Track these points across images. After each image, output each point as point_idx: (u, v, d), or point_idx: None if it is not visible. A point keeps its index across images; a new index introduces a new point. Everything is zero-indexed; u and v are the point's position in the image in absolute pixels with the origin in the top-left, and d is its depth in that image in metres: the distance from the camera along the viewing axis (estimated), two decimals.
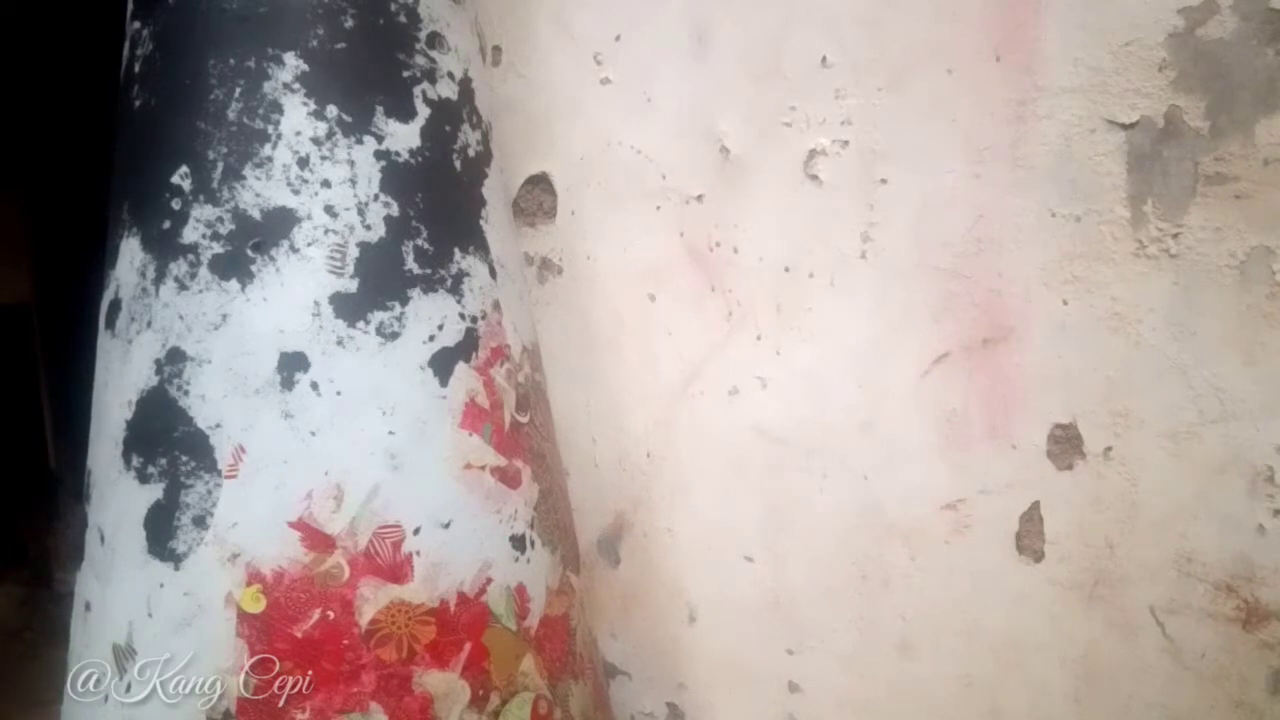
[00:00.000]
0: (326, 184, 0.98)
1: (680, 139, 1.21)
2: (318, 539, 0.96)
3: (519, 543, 1.08)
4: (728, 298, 1.21)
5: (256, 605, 0.95)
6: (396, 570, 0.99)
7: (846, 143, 1.10)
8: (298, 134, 0.96)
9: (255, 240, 0.95)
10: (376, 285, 0.99)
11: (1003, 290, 1.02)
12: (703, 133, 1.19)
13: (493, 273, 1.09)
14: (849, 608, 1.18)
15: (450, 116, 1.07)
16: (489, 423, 1.07)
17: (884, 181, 1.08)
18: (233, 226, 0.95)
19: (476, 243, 1.09)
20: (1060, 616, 1.04)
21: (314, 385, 0.97)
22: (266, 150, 0.96)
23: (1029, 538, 1.05)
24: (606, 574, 1.40)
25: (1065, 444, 1.01)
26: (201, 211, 0.95)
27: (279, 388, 0.96)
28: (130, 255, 0.98)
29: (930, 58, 1.03)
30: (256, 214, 0.95)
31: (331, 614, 0.97)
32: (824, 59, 1.10)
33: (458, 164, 1.07)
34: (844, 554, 1.18)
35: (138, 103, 1.00)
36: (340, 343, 0.98)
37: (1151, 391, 0.96)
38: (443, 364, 1.03)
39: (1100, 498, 1.00)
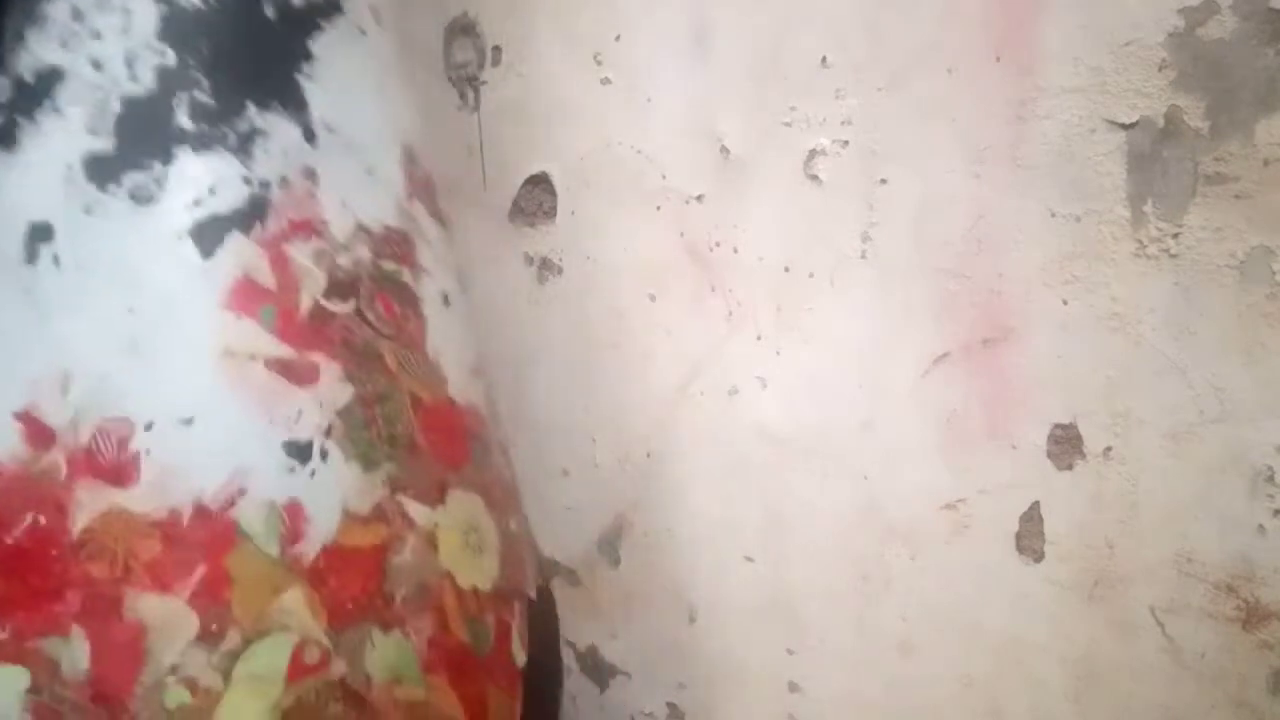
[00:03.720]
0: (97, 35, 0.88)
1: (680, 139, 1.21)
2: (40, 432, 0.85)
3: (299, 451, 0.91)
4: (728, 298, 1.21)
5: None
6: (119, 471, 0.86)
7: (846, 143, 1.10)
8: None
9: (22, 103, 0.88)
10: (136, 143, 0.88)
11: (1003, 290, 1.02)
12: (703, 133, 1.19)
13: (309, 136, 0.95)
14: (849, 608, 1.18)
15: None
16: (272, 305, 0.92)
17: (884, 181, 1.08)
18: (11, 95, 0.88)
19: (285, 99, 0.94)
20: (1060, 616, 1.04)
21: (55, 258, 0.87)
22: (45, 6, 0.88)
23: (1029, 538, 1.05)
24: (606, 574, 1.40)
25: (1065, 444, 1.01)
26: None
27: (23, 261, 0.87)
28: None
29: (930, 58, 1.03)
30: (30, 77, 0.88)
31: (43, 519, 0.85)
32: (824, 59, 1.10)
33: (270, 11, 0.93)
34: (844, 554, 1.18)
35: None
36: (88, 209, 0.87)
37: (1151, 391, 0.96)
38: (209, 233, 0.90)
39: (1100, 498, 1.00)
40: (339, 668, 0.90)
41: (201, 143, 0.90)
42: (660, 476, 1.32)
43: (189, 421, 0.87)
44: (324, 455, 0.91)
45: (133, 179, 0.88)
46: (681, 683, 1.36)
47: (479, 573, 1.03)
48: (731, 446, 1.24)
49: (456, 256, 1.47)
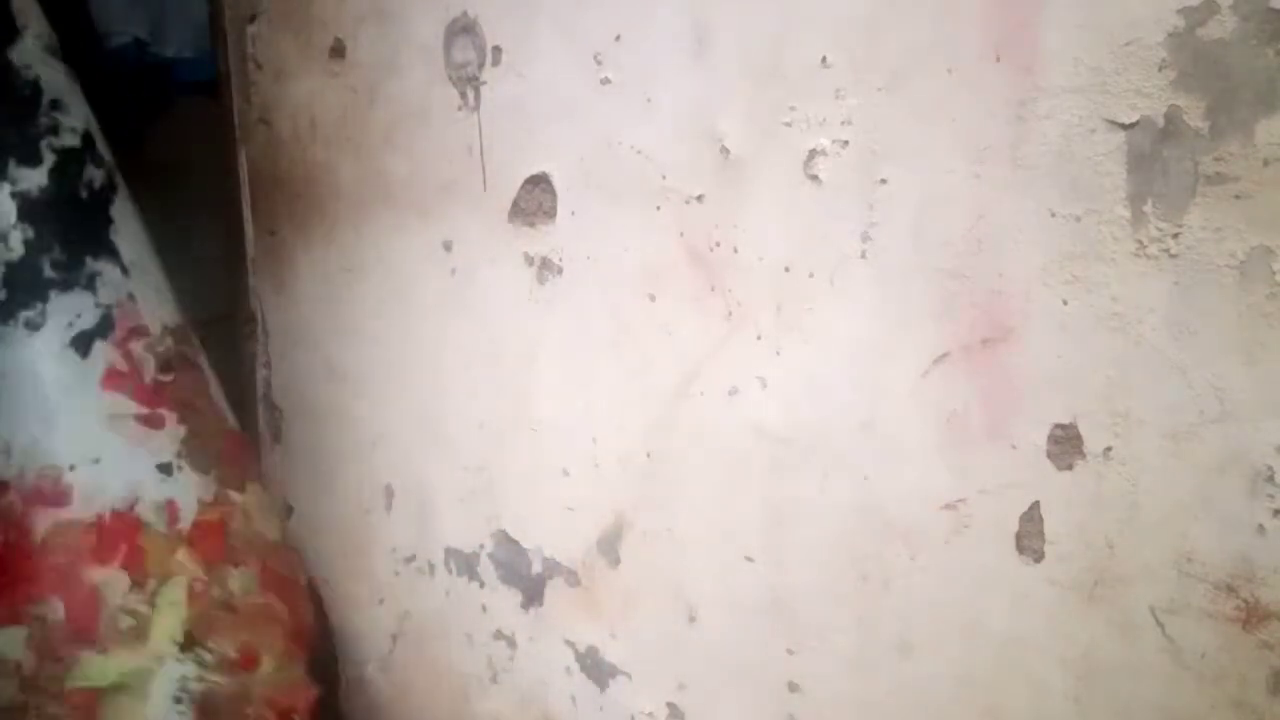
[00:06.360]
0: None
1: (680, 139, 1.21)
2: None
3: (166, 468, 1.51)
4: (728, 298, 1.21)
5: None
6: (58, 498, 1.43)
7: (846, 143, 1.10)
8: None
9: None
10: (22, 291, 1.44)
11: (1003, 290, 1.02)
12: (703, 133, 1.19)
13: (125, 272, 1.54)
14: (849, 608, 1.18)
15: (74, 160, 1.50)
16: (131, 383, 1.49)
17: (884, 181, 1.08)
18: None
19: (107, 250, 1.53)
20: (1060, 616, 1.04)
21: None
22: None
23: (1029, 538, 1.05)
24: (606, 574, 1.40)
25: (1065, 444, 1.01)
26: None
27: None
28: None
29: (930, 58, 1.03)
30: None
31: (12, 536, 1.41)
32: (824, 59, 1.10)
33: (84, 194, 1.52)
34: (844, 554, 1.18)
35: None
36: (1, 338, 1.43)
37: (1151, 391, 0.96)
38: (82, 343, 1.47)
39: (1100, 498, 1.00)
40: (215, 591, 1.51)
41: (65, 286, 1.47)
42: (660, 476, 1.32)
43: (98, 460, 1.46)
44: (180, 469, 1.53)
45: (24, 314, 1.45)
46: (681, 683, 1.36)
47: (275, 531, 1.68)
48: (731, 446, 1.24)
49: (455, 261, 1.55)
